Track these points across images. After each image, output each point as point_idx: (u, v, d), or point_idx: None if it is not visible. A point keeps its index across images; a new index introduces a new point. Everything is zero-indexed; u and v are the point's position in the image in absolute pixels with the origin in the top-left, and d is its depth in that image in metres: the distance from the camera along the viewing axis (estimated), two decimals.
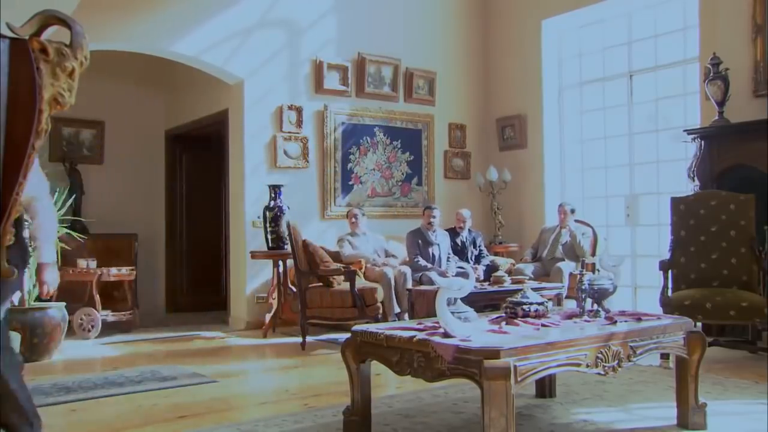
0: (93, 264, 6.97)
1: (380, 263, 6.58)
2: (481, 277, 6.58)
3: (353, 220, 6.79)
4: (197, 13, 6.85)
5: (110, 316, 6.84)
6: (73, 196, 6.79)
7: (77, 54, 2.17)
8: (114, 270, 6.99)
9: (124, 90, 8.70)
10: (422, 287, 6.01)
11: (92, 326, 6.57)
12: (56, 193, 6.02)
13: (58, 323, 5.52)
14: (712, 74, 5.83)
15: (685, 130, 6.12)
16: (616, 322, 3.21)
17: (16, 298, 5.49)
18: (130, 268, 7.33)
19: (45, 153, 7.89)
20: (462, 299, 3.32)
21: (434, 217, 6.71)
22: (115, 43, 6.56)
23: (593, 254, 6.82)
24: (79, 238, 6.58)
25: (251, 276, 7.17)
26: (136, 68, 8.52)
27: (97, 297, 6.71)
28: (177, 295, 9.08)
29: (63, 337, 5.65)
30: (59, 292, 6.81)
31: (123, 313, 7.00)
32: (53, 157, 8.15)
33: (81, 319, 6.59)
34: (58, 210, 5.88)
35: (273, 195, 6.68)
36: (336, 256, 6.45)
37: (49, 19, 2.22)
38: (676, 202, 5.44)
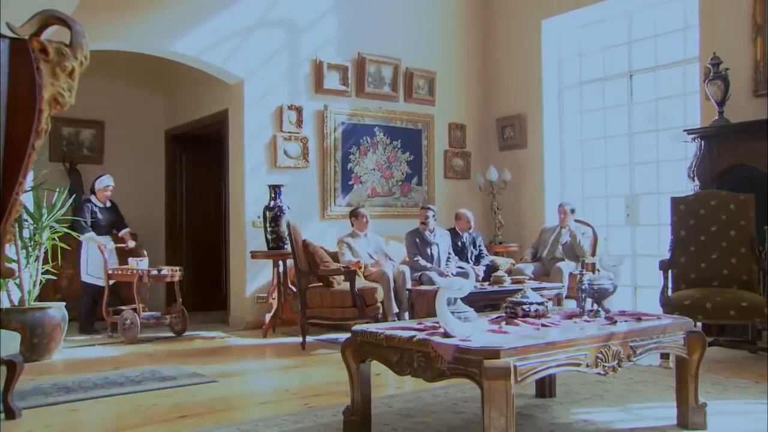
0: (144, 264, 6.77)
1: (371, 265, 6.53)
2: (481, 277, 6.58)
3: (364, 220, 6.69)
4: (197, 13, 6.85)
5: (155, 317, 6.65)
6: (73, 196, 6.76)
7: (77, 54, 2.17)
8: (154, 271, 6.69)
9: (124, 90, 8.70)
10: (422, 287, 6.01)
11: (132, 327, 6.34)
12: (56, 193, 6.01)
13: (58, 323, 5.50)
14: (712, 74, 5.83)
15: (685, 130, 6.12)
16: (616, 322, 3.21)
17: (16, 298, 5.50)
18: (177, 267, 7.00)
19: (45, 153, 7.89)
20: (462, 299, 3.32)
21: (428, 217, 6.67)
22: (115, 43, 6.56)
23: (593, 254, 6.82)
24: (78, 238, 6.60)
25: (251, 276, 7.17)
26: (136, 68, 8.52)
27: (137, 298, 6.51)
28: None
29: (63, 337, 5.64)
30: (110, 292, 6.80)
31: (171, 315, 6.76)
32: (53, 157, 8.16)
33: (124, 321, 6.40)
34: (58, 210, 5.87)
35: (273, 195, 6.68)
36: (336, 256, 6.44)
37: (49, 19, 2.23)
38: (676, 202, 5.44)
